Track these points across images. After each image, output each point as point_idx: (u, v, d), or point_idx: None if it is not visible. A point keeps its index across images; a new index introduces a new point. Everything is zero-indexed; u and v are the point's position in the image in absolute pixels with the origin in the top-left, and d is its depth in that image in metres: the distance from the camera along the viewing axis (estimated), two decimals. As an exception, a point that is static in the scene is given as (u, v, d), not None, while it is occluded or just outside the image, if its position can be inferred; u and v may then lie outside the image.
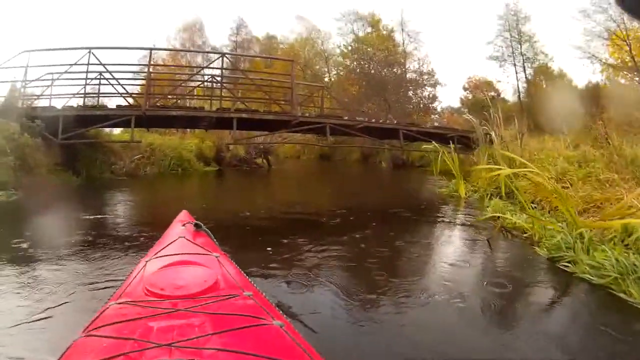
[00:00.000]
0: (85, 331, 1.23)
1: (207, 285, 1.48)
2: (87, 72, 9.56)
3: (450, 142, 13.03)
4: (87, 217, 5.91)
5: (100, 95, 10.87)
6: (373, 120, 11.66)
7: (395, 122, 12.95)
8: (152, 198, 9.07)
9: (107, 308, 1.38)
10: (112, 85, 10.34)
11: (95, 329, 1.22)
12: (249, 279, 1.74)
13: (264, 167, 18.37)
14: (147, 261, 1.78)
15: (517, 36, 26.78)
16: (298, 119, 9.70)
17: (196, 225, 2.27)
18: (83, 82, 9.83)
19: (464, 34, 49.39)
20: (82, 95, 10.04)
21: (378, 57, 26.68)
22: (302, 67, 29.45)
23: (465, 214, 7.09)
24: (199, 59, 22.98)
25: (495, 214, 5.75)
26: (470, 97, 33.90)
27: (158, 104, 9.90)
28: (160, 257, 1.81)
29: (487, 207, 6.79)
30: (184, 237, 2.06)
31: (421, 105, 29.17)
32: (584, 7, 20.32)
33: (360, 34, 32.39)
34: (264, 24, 64.38)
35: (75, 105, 9.87)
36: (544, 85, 25.14)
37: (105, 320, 1.27)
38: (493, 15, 32.84)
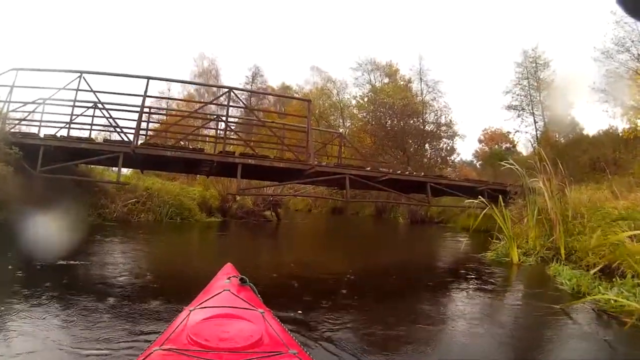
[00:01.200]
0: None
1: (251, 340, 1.51)
2: (75, 99, 8.34)
3: (480, 195, 11.62)
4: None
5: (93, 126, 9.64)
6: (399, 172, 10.14)
7: (422, 174, 11.40)
8: (133, 251, 7.46)
9: (151, 353, 1.42)
10: (106, 117, 9.12)
11: None
12: (294, 338, 1.71)
13: (273, 220, 16.74)
14: (191, 310, 1.80)
15: (535, 83, 25.83)
16: (314, 168, 8.23)
17: (241, 279, 2.28)
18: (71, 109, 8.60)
19: (478, 85, 48.98)
20: (68, 125, 8.74)
21: (397, 106, 25.67)
22: (317, 117, 28.53)
23: (532, 289, 5.38)
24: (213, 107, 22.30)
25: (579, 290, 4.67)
26: (485, 149, 32.80)
27: (151, 142, 8.50)
28: (204, 307, 1.83)
29: (558, 277, 5.51)
30: (229, 290, 2.07)
31: (438, 159, 27.87)
32: (606, 48, 19.23)
33: (377, 84, 31.84)
34: (280, 74, 65.39)
35: (59, 135, 8.56)
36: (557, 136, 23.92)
37: None
38: (509, 63, 32.29)
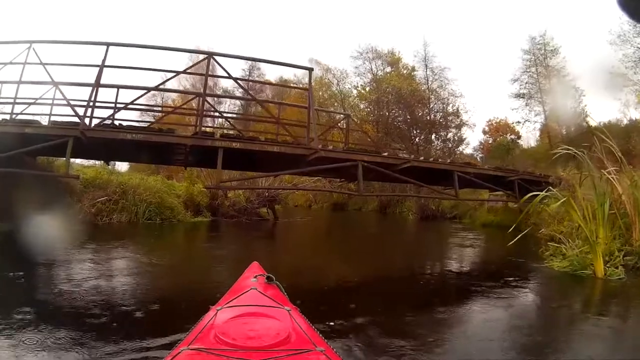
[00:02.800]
0: None
1: (279, 338, 1.50)
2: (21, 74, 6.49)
3: (510, 187, 10.17)
4: None
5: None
6: (421, 159, 8.22)
7: (447, 161, 9.48)
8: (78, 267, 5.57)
9: (179, 353, 1.40)
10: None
11: None
12: (321, 335, 1.68)
13: (269, 219, 14.83)
14: (218, 309, 1.80)
15: (544, 71, 24.26)
16: (317, 153, 6.33)
17: (268, 278, 2.25)
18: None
19: (482, 74, 46.97)
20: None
21: (405, 90, 23.89)
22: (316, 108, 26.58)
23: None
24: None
25: None
26: (490, 141, 31.33)
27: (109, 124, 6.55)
28: (232, 306, 1.83)
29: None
30: (256, 289, 2.05)
31: (445, 150, 26.01)
32: (622, 31, 17.66)
33: (379, 73, 30.01)
34: (278, 68, 63.38)
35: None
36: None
37: None
38: (515, 50, 30.56)
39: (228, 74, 6.53)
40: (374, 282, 5.47)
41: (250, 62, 27.97)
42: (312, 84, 6.83)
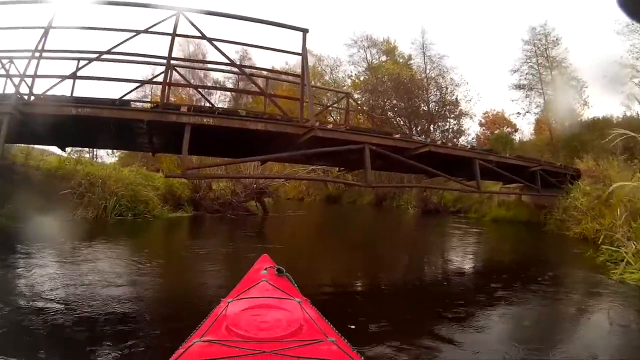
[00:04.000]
0: None
1: (290, 329, 1.51)
2: None
3: (531, 178, 9.17)
4: None
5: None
6: (439, 143, 6.85)
7: (468, 147, 8.15)
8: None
9: (192, 345, 1.40)
10: None
11: None
12: (331, 326, 1.67)
13: (258, 213, 13.46)
14: (229, 302, 1.80)
15: (546, 62, 23.21)
16: (313, 132, 4.99)
17: (278, 270, 2.26)
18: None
19: (479, 64, 45.67)
20: None
21: (405, 76, 22.66)
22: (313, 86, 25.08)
23: None
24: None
25: None
26: (487, 133, 30.27)
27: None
28: (243, 298, 1.84)
29: None
30: (267, 281, 2.06)
31: (444, 141, 24.74)
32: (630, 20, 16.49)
33: (374, 62, 28.72)
34: (269, 57, 61.57)
35: None
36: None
37: (192, 357, 1.33)
38: (515, 41, 29.51)
39: (201, 33, 5.12)
40: (386, 297, 4.21)
41: (241, 52, 26.33)
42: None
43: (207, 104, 9.35)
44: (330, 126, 6.02)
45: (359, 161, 5.79)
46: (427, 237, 11.02)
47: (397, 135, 6.37)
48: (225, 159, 4.90)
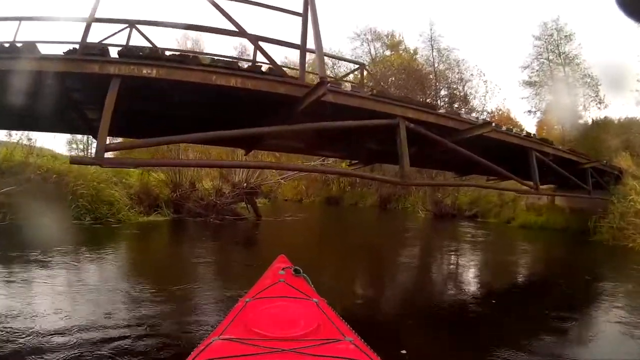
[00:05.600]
0: None
1: (309, 328, 1.49)
2: None
3: (581, 176, 7.50)
4: None
5: None
6: (494, 125, 4.90)
7: (523, 133, 6.24)
8: None
9: (211, 343, 1.40)
10: None
11: None
12: (349, 326, 1.64)
13: (249, 217, 11.54)
14: (247, 301, 1.80)
15: (558, 59, 21.90)
16: (322, 89, 3.01)
17: (295, 270, 2.24)
18: None
19: (486, 62, 43.89)
20: None
21: (411, 67, 21.01)
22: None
23: None
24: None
25: None
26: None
27: None
28: (261, 298, 1.84)
29: None
30: (284, 281, 2.06)
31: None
32: None
33: (379, 56, 27.00)
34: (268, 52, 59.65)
35: None
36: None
37: (212, 354, 1.31)
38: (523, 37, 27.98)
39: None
40: None
41: (240, 48, 24.13)
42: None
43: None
44: (348, 88, 4.11)
45: (382, 151, 3.93)
46: (458, 250, 8.98)
47: (441, 110, 4.50)
48: (173, 137, 3.01)
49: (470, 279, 5.80)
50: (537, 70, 22.54)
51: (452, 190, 16.30)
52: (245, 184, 10.68)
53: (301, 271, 2.23)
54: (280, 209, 17.31)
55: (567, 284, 5.21)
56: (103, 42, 4.32)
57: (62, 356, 2.51)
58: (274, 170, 11.31)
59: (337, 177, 23.00)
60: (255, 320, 1.53)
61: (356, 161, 6.04)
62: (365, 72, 7.03)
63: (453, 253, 8.02)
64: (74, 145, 22.81)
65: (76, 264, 5.33)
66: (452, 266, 6.83)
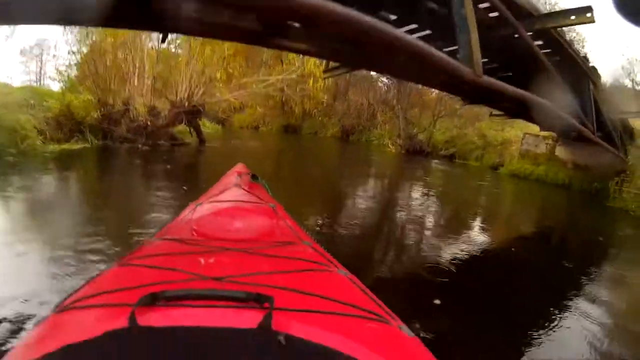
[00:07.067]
0: (121, 262, 1.09)
1: (261, 232, 1.37)
2: None
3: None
4: None
5: None
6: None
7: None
8: None
9: (153, 241, 1.29)
10: None
11: (135, 259, 1.09)
12: (305, 231, 1.56)
13: (191, 142, 9.98)
14: (197, 205, 1.64)
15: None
16: None
17: (253, 176, 2.14)
18: None
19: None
20: None
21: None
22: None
23: None
24: None
25: None
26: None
27: None
28: (212, 202, 1.66)
29: None
30: (239, 186, 1.89)
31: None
32: None
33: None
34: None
35: None
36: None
37: (146, 252, 1.16)
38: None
39: None
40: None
41: None
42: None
43: None
44: None
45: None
46: (443, 197, 7.84)
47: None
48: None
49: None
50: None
51: (429, 126, 15.28)
52: (186, 103, 9.14)
53: (259, 178, 2.11)
54: (231, 135, 15.70)
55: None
56: None
57: None
58: (222, 86, 9.77)
59: (299, 102, 21.17)
60: (204, 223, 1.37)
61: (337, 64, 4.55)
62: None
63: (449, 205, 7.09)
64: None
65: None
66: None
